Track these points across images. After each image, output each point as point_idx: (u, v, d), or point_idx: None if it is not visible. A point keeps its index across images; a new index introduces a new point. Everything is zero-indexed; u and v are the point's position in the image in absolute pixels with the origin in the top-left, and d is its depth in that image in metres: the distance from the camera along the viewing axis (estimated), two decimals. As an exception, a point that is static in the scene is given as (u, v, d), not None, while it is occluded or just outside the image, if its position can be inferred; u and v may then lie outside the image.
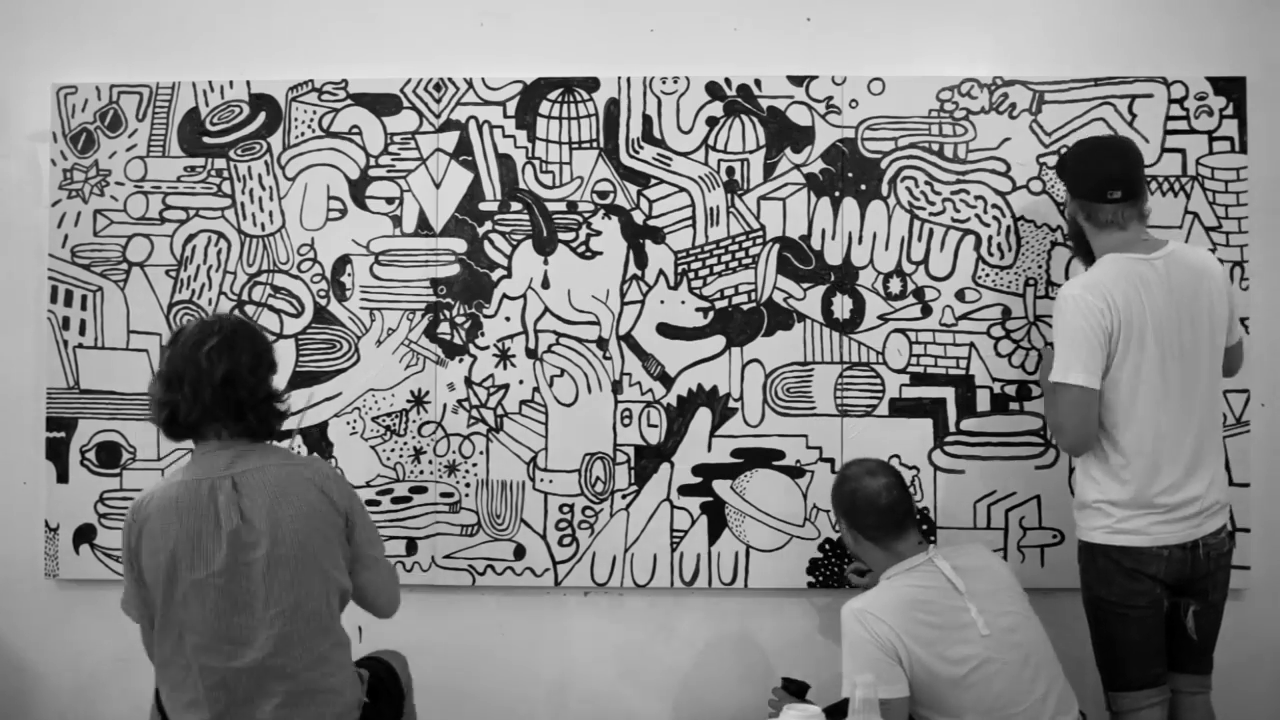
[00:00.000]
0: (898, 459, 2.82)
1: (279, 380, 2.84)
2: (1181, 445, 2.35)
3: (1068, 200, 2.53)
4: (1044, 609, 2.76)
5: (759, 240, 2.84)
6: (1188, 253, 2.42)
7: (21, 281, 2.93)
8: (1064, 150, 2.69)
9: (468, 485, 2.85)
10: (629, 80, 2.85)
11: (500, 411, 2.84)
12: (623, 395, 2.84)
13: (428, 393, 2.85)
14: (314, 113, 2.87)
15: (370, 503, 2.84)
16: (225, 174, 2.88)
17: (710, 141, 2.84)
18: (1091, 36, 2.86)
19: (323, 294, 2.87)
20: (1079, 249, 2.56)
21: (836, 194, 2.83)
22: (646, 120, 2.84)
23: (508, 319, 2.85)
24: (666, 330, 2.84)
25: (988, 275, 2.83)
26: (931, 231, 2.83)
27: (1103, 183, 2.40)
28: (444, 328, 2.85)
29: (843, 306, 2.83)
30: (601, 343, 2.84)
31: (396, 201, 2.86)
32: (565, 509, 2.82)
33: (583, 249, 2.84)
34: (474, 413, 2.85)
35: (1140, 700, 2.40)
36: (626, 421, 2.84)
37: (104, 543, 2.86)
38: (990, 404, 2.82)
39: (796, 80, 2.84)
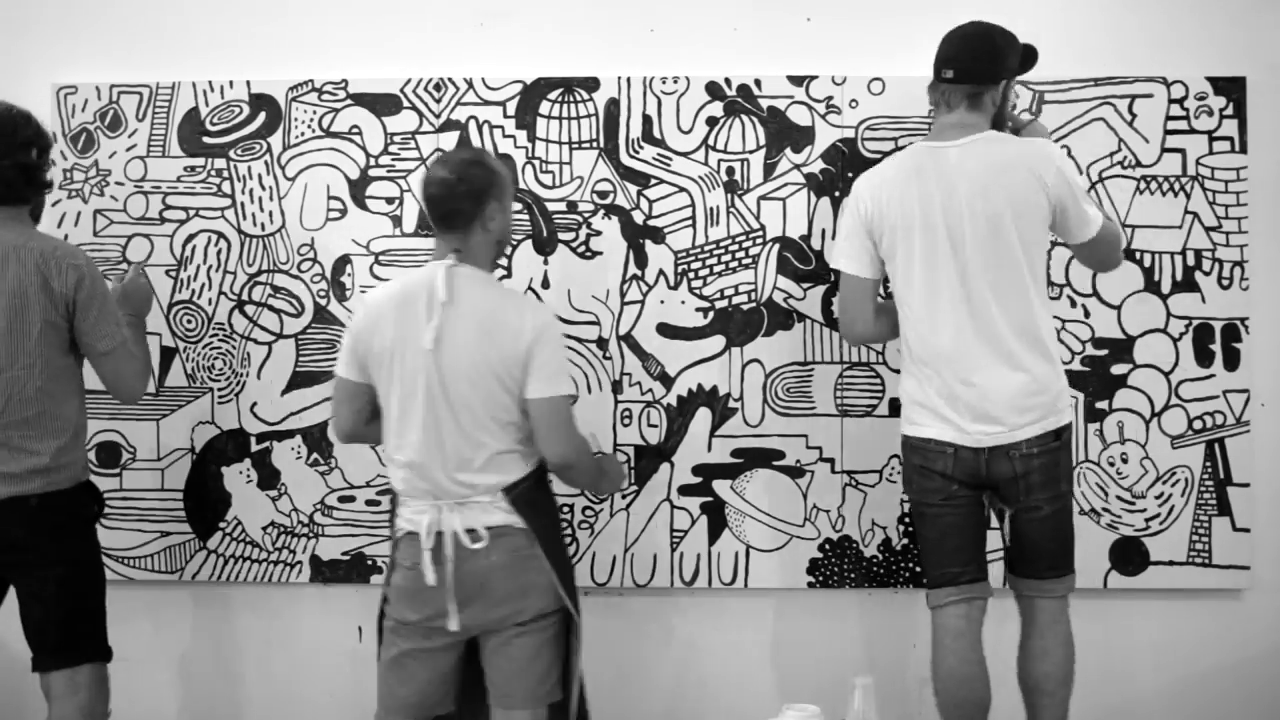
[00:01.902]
0: (898, 459, 2.81)
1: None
2: (962, 342, 2.31)
3: None
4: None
5: (759, 240, 2.84)
6: (999, 143, 2.36)
7: (21, 281, 2.93)
8: None
9: (468, 485, 2.84)
10: (629, 80, 2.85)
11: (500, 411, 2.84)
12: (623, 395, 2.84)
13: (428, 393, 2.85)
14: (314, 113, 2.87)
15: (370, 503, 2.85)
16: (225, 174, 2.88)
17: (710, 141, 2.84)
18: (1091, 36, 2.86)
19: (323, 294, 2.87)
20: None
21: (836, 194, 2.83)
22: (646, 120, 2.84)
23: (508, 319, 2.84)
24: (666, 330, 2.84)
25: (988, 275, 2.83)
26: (931, 231, 2.83)
27: (940, 62, 2.41)
28: (444, 328, 2.85)
29: (843, 306, 2.83)
30: (601, 343, 2.84)
31: (396, 201, 2.86)
32: (565, 509, 2.82)
33: (583, 249, 2.84)
34: (474, 413, 2.84)
35: (940, 598, 2.41)
36: (626, 421, 2.84)
37: (104, 543, 2.84)
38: (990, 404, 2.82)
39: (796, 80, 2.84)
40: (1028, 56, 2.50)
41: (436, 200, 2.22)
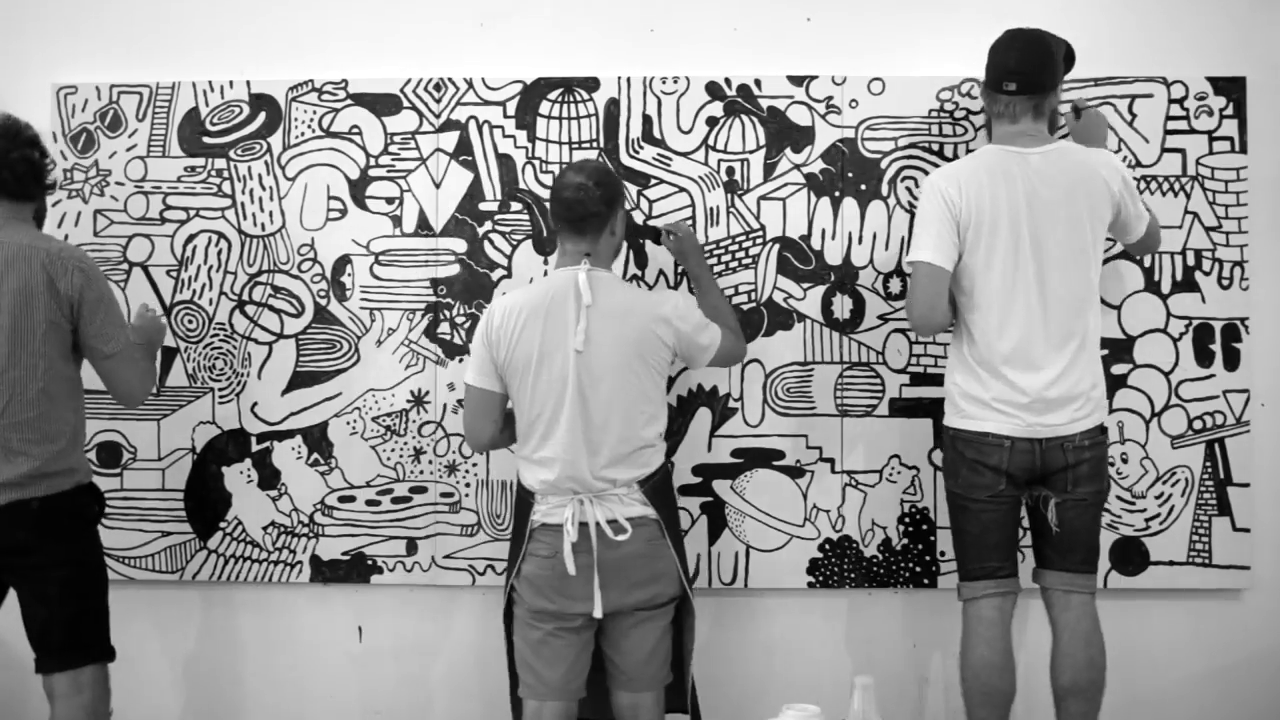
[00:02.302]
0: (898, 459, 2.82)
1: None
2: (1032, 339, 2.37)
3: (982, 91, 2.55)
4: (1044, 609, 2.77)
5: (759, 240, 2.84)
6: (1073, 153, 2.44)
7: (22, 281, 2.93)
8: None
9: (468, 485, 2.85)
10: (629, 80, 2.85)
11: (500, 411, 2.84)
12: (623, 395, 2.84)
13: (428, 393, 2.85)
14: (314, 113, 2.87)
15: (370, 503, 2.85)
16: (225, 174, 2.88)
17: (710, 141, 2.84)
18: (1091, 36, 2.86)
19: (323, 294, 2.87)
20: (990, 139, 2.57)
21: (836, 194, 2.83)
22: (646, 120, 2.85)
23: (508, 319, 2.85)
24: (666, 330, 2.84)
25: (988, 275, 2.83)
26: (931, 231, 2.83)
27: (1001, 74, 2.44)
28: (444, 328, 2.85)
29: (843, 306, 2.83)
30: (601, 343, 2.84)
31: (396, 201, 2.86)
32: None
33: (583, 249, 2.84)
34: (474, 413, 2.85)
35: (976, 590, 2.45)
36: (626, 421, 2.83)
37: (104, 542, 2.85)
38: (990, 404, 2.82)
39: (796, 80, 2.84)
40: (1069, 55, 2.56)
41: (574, 204, 2.36)
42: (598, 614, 2.28)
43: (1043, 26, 2.85)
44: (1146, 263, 2.81)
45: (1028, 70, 2.43)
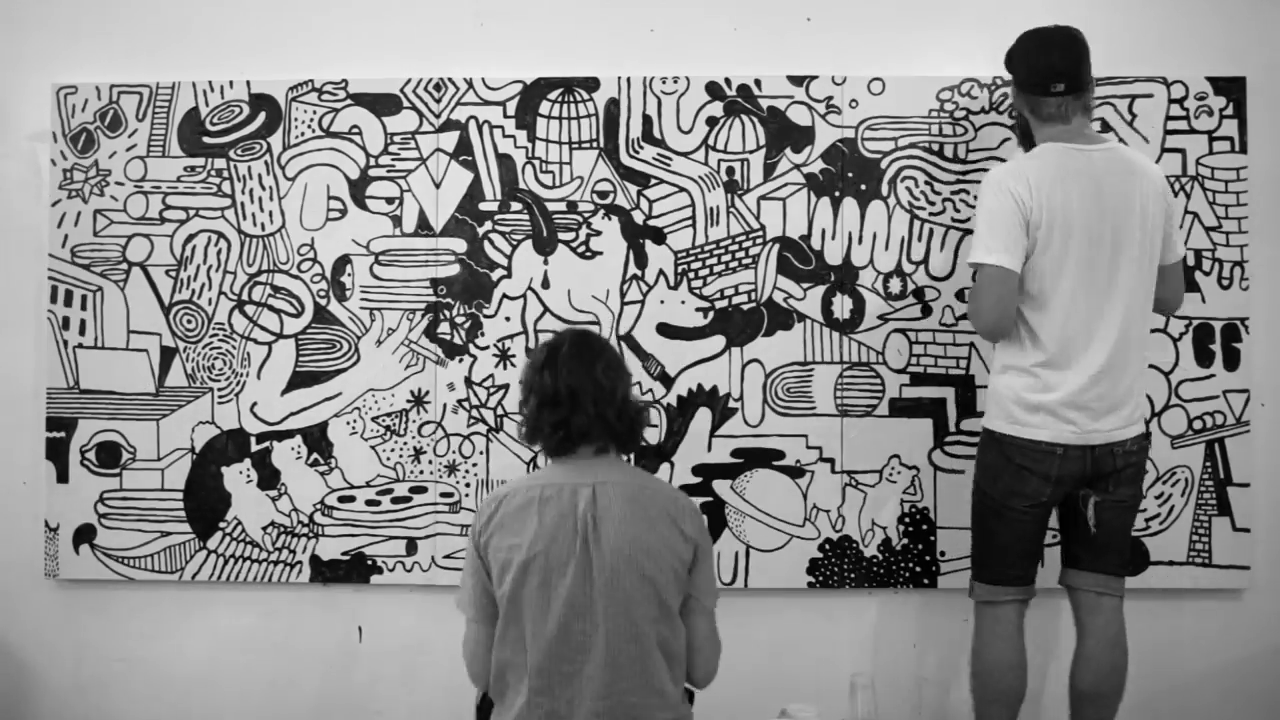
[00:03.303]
0: (898, 459, 2.82)
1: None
2: (1097, 342, 2.32)
3: (1013, 93, 2.48)
4: (1044, 609, 2.77)
5: (759, 240, 2.84)
6: (1127, 152, 2.39)
7: (21, 281, 2.93)
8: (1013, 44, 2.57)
9: (468, 485, 2.85)
10: (629, 80, 2.85)
11: (500, 411, 2.85)
12: (623, 395, 2.84)
13: (428, 393, 2.85)
14: (314, 113, 2.87)
15: (370, 503, 2.85)
16: (225, 174, 2.88)
17: (710, 141, 2.84)
18: (1091, 36, 2.85)
19: (323, 294, 2.87)
20: (1025, 144, 2.51)
21: (836, 194, 2.83)
22: (646, 120, 2.84)
23: (508, 319, 2.85)
24: (666, 330, 2.84)
25: (988, 275, 2.83)
26: (931, 231, 2.83)
27: (1046, 76, 2.37)
28: (444, 328, 2.85)
29: (843, 306, 2.83)
30: (601, 343, 2.84)
31: (396, 201, 2.86)
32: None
33: (583, 249, 2.84)
34: (474, 413, 2.85)
35: (997, 594, 2.43)
36: (626, 421, 2.83)
37: (104, 543, 2.87)
38: (990, 404, 2.82)
39: (796, 80, 2.84)
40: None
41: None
42: None
43: (1043, 27, 2.85)
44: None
45: (1072, 68, 2.37)
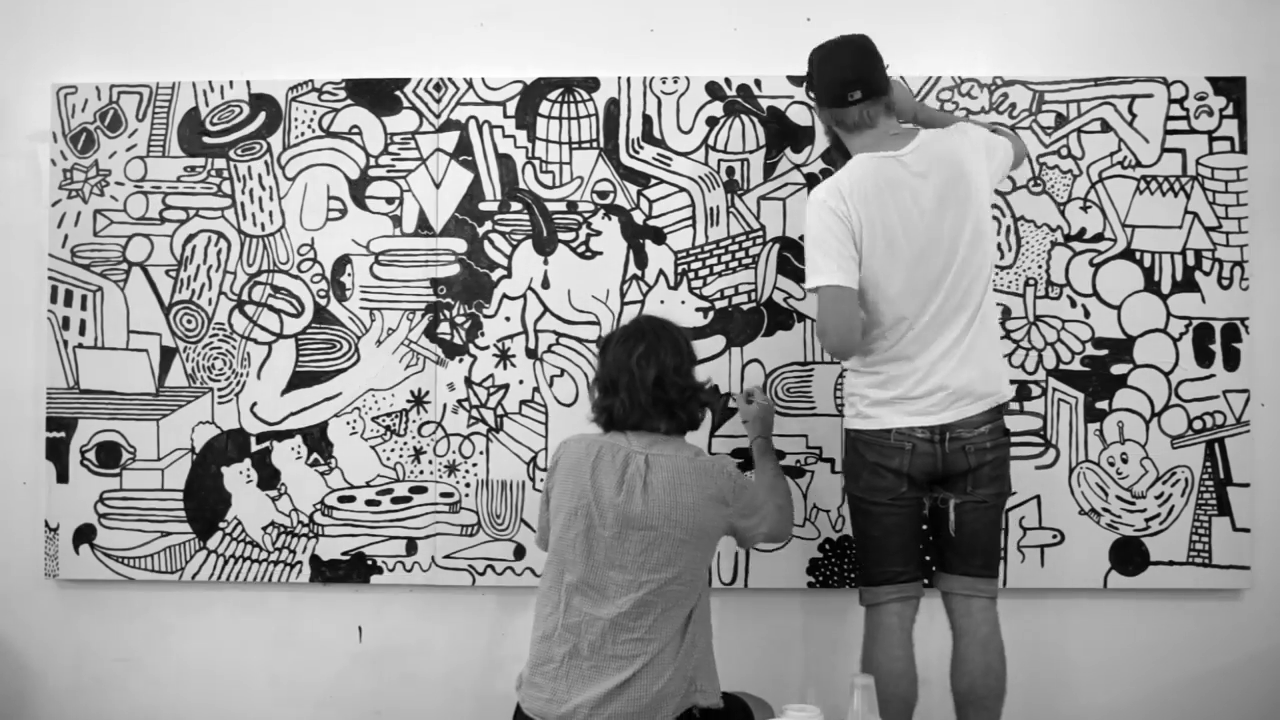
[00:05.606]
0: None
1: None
2: (937, 338, 2.34)
3: (818, 111, 2.50)
4: (1044, 609, 2.77)
5: (759, 240, 2.84)
6: (937, 140, 2.39)
7: (21, 281, 2.93)
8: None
9: (468, 485, 2.85)
10: (629, 80, 2.85)
11: (500, 411, 2.85)
12: (623, 395, 2.83)
13: (428, 393, 2.85)
14: (314, 113, 2.87)
15: (370, 503, 2.85)
16: (225, 174, 2.88)
17: (710, 141, 2.84)
18: (1091, 36, 2.86)
19: (323, 294, 2.87)
20: (840, 156, 2.52)
21: (836, 194, 2.83)
22: (646, 120, 2.84)
23: (508, 319, 2.85)
24: (666, 330, 2.84)
25: (988, 275, 2.83)
26: (931, 231, 2.83)
27: (841, 86, 2.39)
28: (444, 328, 2.85)
29: (843, 306, 2.83)
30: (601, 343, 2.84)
31: (396, 201, 2.86)
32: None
33: (583, 249, 2.84)
34: (474, 413, 2.85)
35: (879, 595, 2.43)
36: (626, 421, 2.83)
37: (104, 543, 2.87)
38: (990, 404, 2.82)
39: (796, 80, 2.84)
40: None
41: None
42: None
43: (1043, 27, 2.87)
44: (1146, 263, 2.81)
45: (864, 74, 2.38)
